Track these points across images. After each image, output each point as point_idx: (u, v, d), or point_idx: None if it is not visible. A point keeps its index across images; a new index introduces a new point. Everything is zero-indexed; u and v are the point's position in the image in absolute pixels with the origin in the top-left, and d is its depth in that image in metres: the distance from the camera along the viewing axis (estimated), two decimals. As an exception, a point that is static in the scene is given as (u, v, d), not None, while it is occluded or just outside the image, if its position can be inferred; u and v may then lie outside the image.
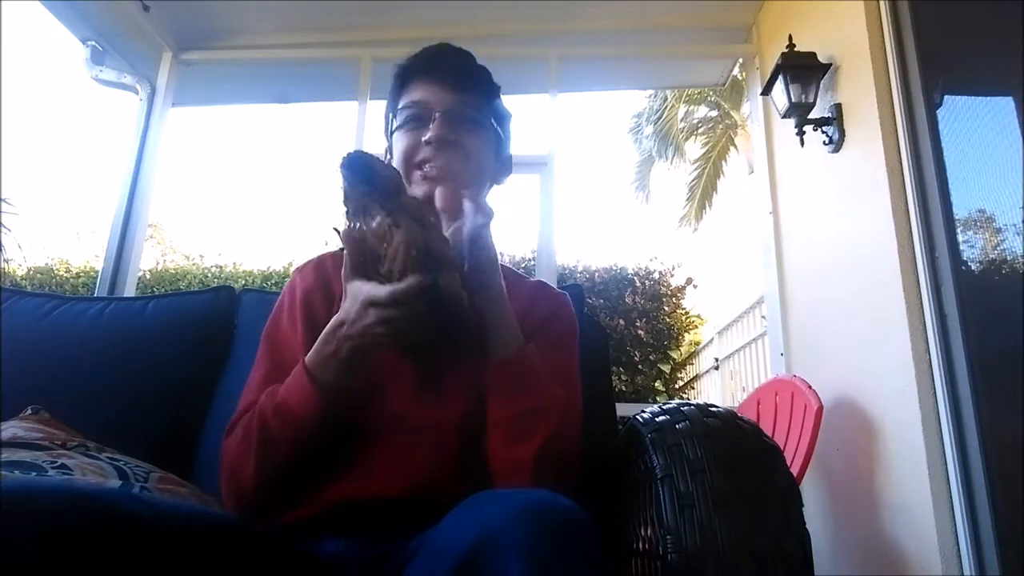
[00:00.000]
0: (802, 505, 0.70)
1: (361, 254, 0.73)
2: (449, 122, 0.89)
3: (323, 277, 0.94)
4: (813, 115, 2.19)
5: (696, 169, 10.93)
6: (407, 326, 0.72)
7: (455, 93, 0.91)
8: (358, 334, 0.72)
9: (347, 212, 0.75)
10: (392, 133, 0.94)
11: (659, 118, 10.79)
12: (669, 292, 5.54)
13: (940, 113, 1.78)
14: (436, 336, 0.75)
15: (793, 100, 2.16)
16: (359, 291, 0.72)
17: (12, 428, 0.98)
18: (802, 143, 2.23)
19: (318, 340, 0.78)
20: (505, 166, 1.00)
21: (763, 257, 2.71)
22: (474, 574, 0.52)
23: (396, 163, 0.91)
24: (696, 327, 5.94)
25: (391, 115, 0.95)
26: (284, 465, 0.78)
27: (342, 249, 0.91)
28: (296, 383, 0.78)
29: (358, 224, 0.73)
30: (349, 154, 0.72)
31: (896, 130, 1.84)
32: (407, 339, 0.74)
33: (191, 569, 0.56)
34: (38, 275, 6.06)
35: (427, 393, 0.85)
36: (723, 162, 10.74)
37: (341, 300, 0.76)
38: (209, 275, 6.09)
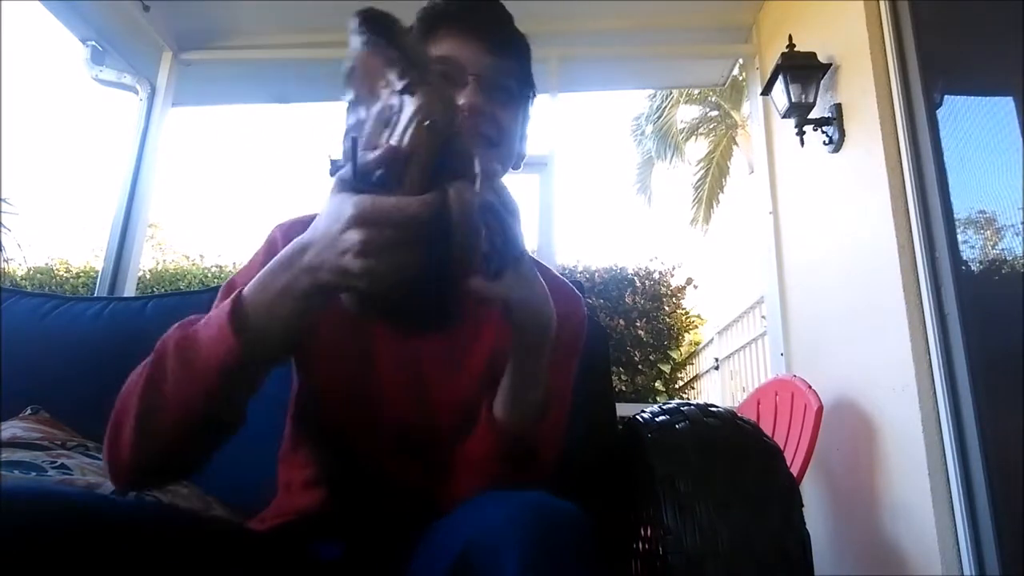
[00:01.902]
0: (802, 505, 0.70)
1: (355, 157, 0.54)
2: (485, 89, 0.75)
3: None
4: (813, 115, 2.19)
5: (700, 169, 10.94)
6: (401, 259, 0.52)
7: (493, 55, 0.76)
8: (331, 267, 0.54)
9: (351, 97, 0.58)
10: None
11: (659, 118, 10.80)
12: (669, 292, 5.54)
13: (940, 113, 1.78)
14: (427, 280, 0.53)
15: (793, 100, 2.16)
16: (344, 205, 0.53)
17: (12, 428, 0.98)
18: (802, 143, 2.23)
19: (264, 269, 0.59)
20: (523, 148, 0.86)
21: (763, 257, 2.70)
22: (469, 571, 0.52)
23: None
24: (696, 327, 5.95)
25: None
26: (167, 426, 0.59)
27: None
28: (218, 313, 0.60)
29: (360, 112, 0.57)
30: (367, 9, 0.56)
31: (896, 130, 1.84)
32: (391, 279, 0.52)
33: (180, 571, 0.56)
34: (38, 275, 6.07)
35: (417, 401, 0.77)
36: (727, 163, 10.76)
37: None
38: (209, 275, 6.09)
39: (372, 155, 0.54)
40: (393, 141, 0.52)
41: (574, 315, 0.86)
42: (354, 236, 0.52)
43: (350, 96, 0.59)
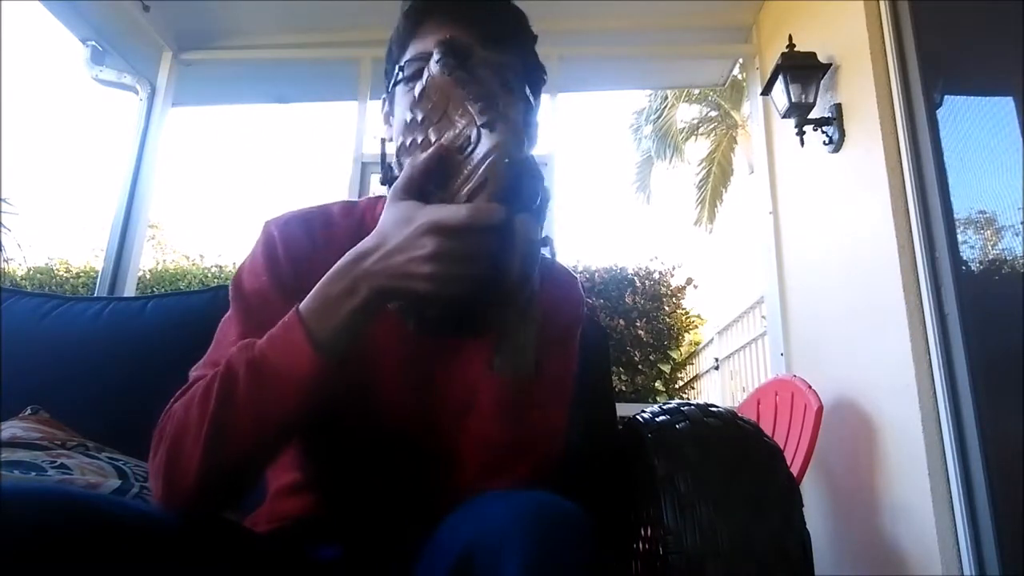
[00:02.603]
0: (802, 505, 0.70)
1: (424, 169, 0.59)
2: None
3: (311, 237, 0.76)
4: (813, 115, 2.19)
5: (702, 170, 10.94)
6: (465, 271, 0.55)
7: (485, 48, 0.71)
8: (397, 271, 0.56)
9: (418, 117, 0.63)
10: (394, 86, 0.74)
11: (658, 118, 10.80)
12: (669, 292, 5.54)
13: (940, 113, 1.78)
14: (481, 300, 0.58)
15: (793, 100, 2.16)
16: (416, 213, 0.56)
17: (12, 428, 0.98)
18: (802, 143, 2.23)
19: (321, 281, 0.60)
20: (532, 137, 0.79)
21: (763, 257, 2.70)
22: (471, 571, 0.52)
23: (396, 130, 0.71)
24: (696, 327, 5.95)
25: (395, 66, 0.75)
26: (244, 445, 0.59)
27: (332, 204, 0.80)
28: (283, 335, 0.60)
29: (430, 133, 0.62)
30: (451, 39, 0.64)
31: (896, 130, 1.84)
32: (455, 289, 0.56)
33: (182, 571, 0.56)
34: (38, 275, 6.07)
35: (422, 402, 0.75)
36: (729, 163, 10.76)
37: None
38: (209, 275, 6.09)
39: (426, 158, 0.60)
40: (467, 170, 0.57)
41: (571, 297, 0.84)
42: (429, 242, 0.54)
43: (419, 115, 0.63)
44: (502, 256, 0.56)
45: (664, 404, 0.84)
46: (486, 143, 0.56)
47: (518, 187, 0.56)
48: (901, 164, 1.81)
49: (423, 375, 0.77)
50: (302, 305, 0.60)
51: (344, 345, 0.60)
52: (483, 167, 0.55)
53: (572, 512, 0.54)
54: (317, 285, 0.60)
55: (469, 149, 0.57)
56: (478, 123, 0.57)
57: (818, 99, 2.16)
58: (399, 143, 0.67)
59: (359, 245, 0.59)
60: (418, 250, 0.55)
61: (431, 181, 0.59)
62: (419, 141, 0.63)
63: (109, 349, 1.22)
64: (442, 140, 0.60)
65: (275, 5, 2.72)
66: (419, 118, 0.63)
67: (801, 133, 2.21)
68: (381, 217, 0.60)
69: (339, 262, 0.60)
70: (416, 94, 0.65)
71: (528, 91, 0.76)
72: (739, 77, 3.87)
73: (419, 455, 0.75)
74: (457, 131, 0.59)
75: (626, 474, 0.86)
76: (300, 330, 0.59)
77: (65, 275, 6.07)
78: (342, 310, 0.59)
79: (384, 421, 0.76)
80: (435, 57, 0.64)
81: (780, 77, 2.18)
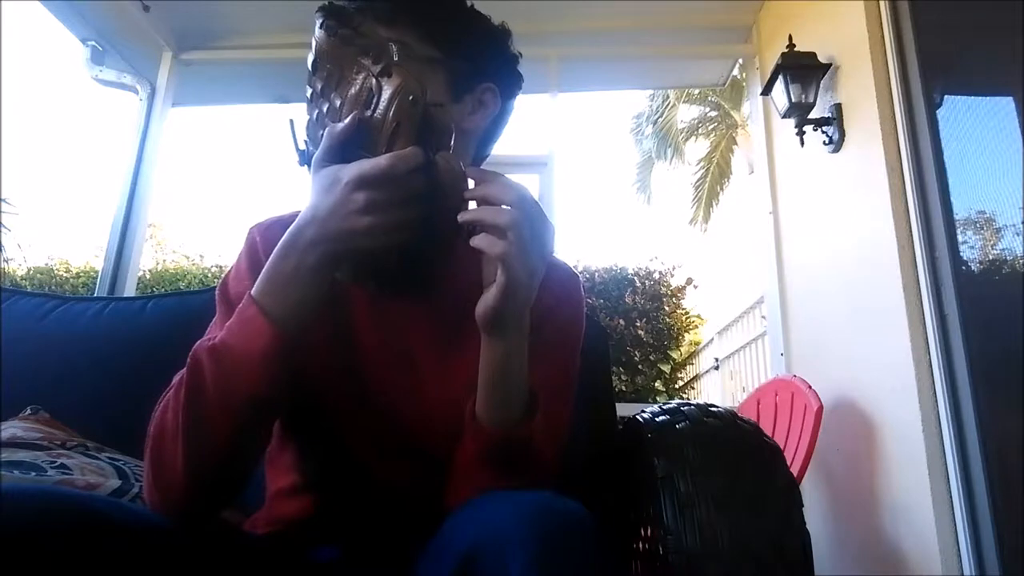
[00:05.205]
0: (802, 505, 0.70)
1: (343, 135, 0.59)
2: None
3: None
4: (813, 115, 2.19)
5: (700, 169, 10.94)
6: (401, 215, 0.57)
7: (374, 23, 0.67)
8: (337, 231, 0.57)
9: (317, 88, 0.64)
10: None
11: (659, 118, 10.80)
12: (669, 292, 5.54)
13: (940, 113, 1.78)
14: (426, 241, 0.59)
15: (793, 100, 2.16)
16: (340, 173, 0.57)
17: (12, 428, 0.98)
18: (802, 143, 2.23)
19: (267, 263, 0.61)
20: (482, 102, 0.71)
21: (763, 257, 2.70)
22: (475, 571, 0.52)
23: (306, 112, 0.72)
24: (696, 327, 5.95)
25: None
26: (221, 432, 0.60)
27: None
28: (239, 318, 0.61)
29: (333, 99, 0.62)
30: (329, 5, 0.64)
31: (896, 130, 1.84)
32: (397, 236, 0.58)
33: (181, 573, 0.56)
34: (38, 275, 6.07)
35: (409, 391, 0.74)
36: (728, 163, 10.76)
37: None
38: (209, 275, 6.09)
39: (344, 124, 0.60)
40: (379, 121, 0.59)
41: (571, 297, 0.82)
42: (359, 196, 0.57)
43: (318, 86, 0.64)
44: (432, 194, 0.57)
45: (664, 404, 0.83)
46: (387, 89, 0.58)
47: (430, 123, 0.58)
48: (901, 164, 1.81)
49: (411, 364, 0.76)
50: (254, 289, 0.61)
51: (301, 317, 0.60)
52: (391, 112, 0.58)
53: (575, 512, 0.54)
54: (264, 267, 0.61)
55: (375, 101, 0.59)
56: (375, 74, 0.59)
57: (818, 99, 2.16)
58: (307, 121, 0.68)
59: (297, 220, 0.60)
60: (351, 206, 0.57)
61: (353, 145, 0.60)
62: (325, 110, 0.64)
63: (109, 349, 1.22)
64: (348, 102, 0.61)
65: (275, 5, 2.71)
66: (319, 88, 0.65)
67: (801, 133, 2.21)
68: (310, 189, 0.61)
69: (280, 242, 0.61)
70: (309, 68, 0.66)
71: (439, 50, 0.67)
72: (739, 77, 3.87)
73: (414, 457, 0.74)
74: (358, 87, 0.60)
75: (626, 474, 0.86)
76: (254, 308, 0.60)
77: (65, 275, 6.07)
78: (293, 285, 0.60)
79: (377, 422, 0.75)
80: (317, 25, 0.64)
81: (780, 77, 2.18)
